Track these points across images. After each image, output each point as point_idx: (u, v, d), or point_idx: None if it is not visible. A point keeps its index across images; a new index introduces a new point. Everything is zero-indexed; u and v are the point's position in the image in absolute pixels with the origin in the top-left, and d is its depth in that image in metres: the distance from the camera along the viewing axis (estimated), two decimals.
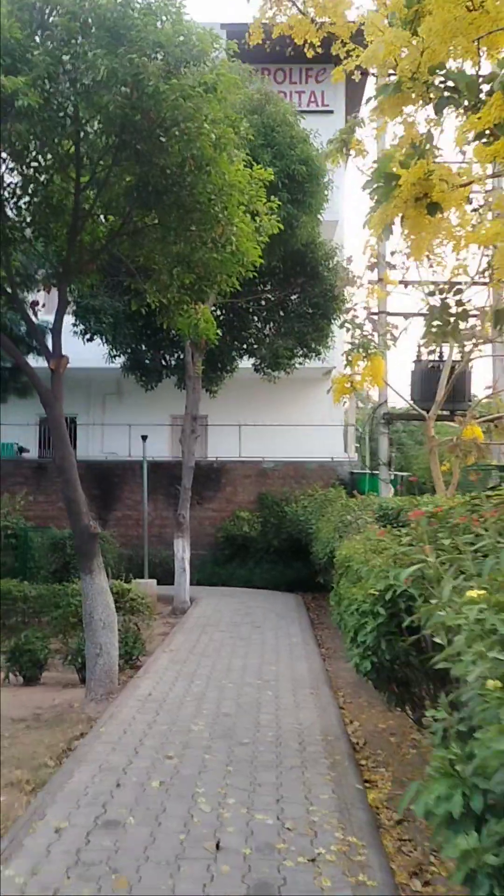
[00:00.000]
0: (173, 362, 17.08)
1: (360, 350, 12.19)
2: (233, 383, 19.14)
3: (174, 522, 14.58)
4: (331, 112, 21.47)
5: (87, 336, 14.95)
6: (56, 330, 8.21)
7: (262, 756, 5.48)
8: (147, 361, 16.44)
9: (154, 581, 14.70)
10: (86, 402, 22.27)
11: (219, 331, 15.14)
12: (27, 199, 8.28)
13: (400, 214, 5.11)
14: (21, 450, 19.70)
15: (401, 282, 13.94)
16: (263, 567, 17.15)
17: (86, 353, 17.56)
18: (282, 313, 16.69)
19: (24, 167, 7.95)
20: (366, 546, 6.65)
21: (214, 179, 7.56)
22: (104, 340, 15.19)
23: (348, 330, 12.38)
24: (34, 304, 9.76)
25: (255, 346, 16.64)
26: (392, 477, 15.03)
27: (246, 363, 17.20)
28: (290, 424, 19.87)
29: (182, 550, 14.19)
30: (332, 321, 16.28)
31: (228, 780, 4.96)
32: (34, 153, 7.87)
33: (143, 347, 16.54)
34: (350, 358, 12.48)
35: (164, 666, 8.60)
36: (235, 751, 5.58)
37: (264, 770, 5.18)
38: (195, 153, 7.29)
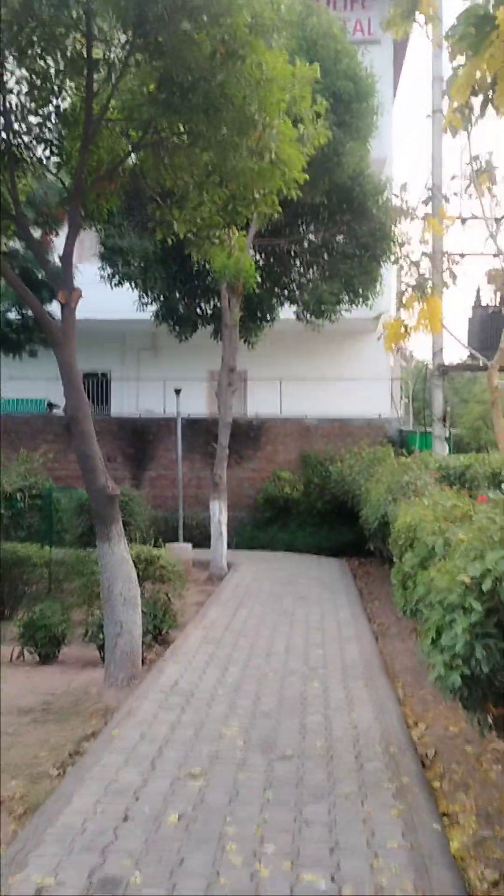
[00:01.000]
0: (209, 311, 15.83)
1: (417, 290, 10.84)
2: (273, 336, 17.84)
3: (210, 483, 13.49)
4: (377, 43, 19.51)
5: (115, 281, 13.77)
6: (67, 256, 7.03)
7: (310, 777, 4.38)
8: (181, 310, 15.22)
9: (189, 545, 13.70)
10: (120, 357, 21.23)
11: (258, 275, 13.88)
12: (35, 107, 7.07)
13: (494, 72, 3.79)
14: (51, 406, 18.77)
15: (459, 218, 12.43)
16: (306, 530, 16.04)
17: (117, 303, 16.45)
18: (326, 256, 15.25)
19: (31, 74, 6.73)
20: (436, 513, 5.44)
21: (249, 71, 6.23)
22: (133, 286, 13.99)
23: (402, 268, 10.98)
24: (47, 234, 8.54)
25: (297, 293, 15.28)
26: (448, 434, 13.67)
27: (287, 312, 15.87)
28: (334, 379, 18.53)
29: (219, 513, 13.13)
30: (382, 263, 14.80)
31: (267, 815, 3.88)
32: (40, 51, 6.62)
33: (177, 295, 15.32)
34: (404, 300, 11.15)
35: (196, 646, 7.56)
36: (276, 768, 4.49)
37: (313, 799, 4.08)
38: (226, 37, 5.98)
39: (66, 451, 17.63)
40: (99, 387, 20.67)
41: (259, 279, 15.31)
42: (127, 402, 20.87)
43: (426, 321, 10.56)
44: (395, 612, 9.65)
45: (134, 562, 9.83)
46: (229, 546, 15.20)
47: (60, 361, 6.98)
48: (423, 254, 11.28)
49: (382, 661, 7.09)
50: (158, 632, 8.61)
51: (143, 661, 7.78)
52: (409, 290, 10.74)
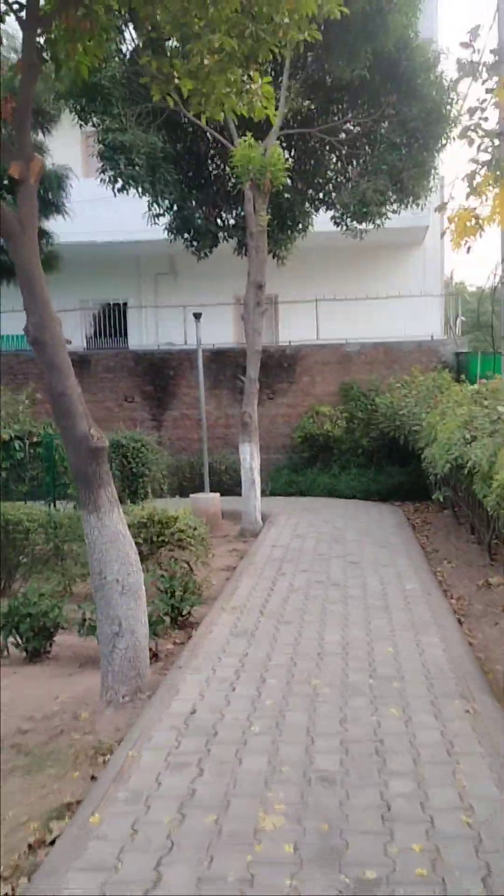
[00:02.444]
0: (231, 221, 13.59)
1: (494, 169, 8.54)
2: (304, 253, 15.55)
3: (239, 423, 11.54)
4: None
5: (119, 185, 11.57)
6: (20, 112, 4.94)
7: None
8: (198, 220, 13.00)
9: (217, 495, 11.85)
10: (135, 285, 19.10)
11: (288, 171, 11.57)
12: None
13: None
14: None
15: None
16: (351, 473, 14.07)
17: (131, 223, 14.29)
18: (368, 148, 12.83)
19: None
20: None
21: None
22: (140, 191, 11.78)
23: (473, 142, 8.62)
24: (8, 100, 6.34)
25: (334, 194, 12.93)
26: None
27: (322, 222, 13.54)
28: (376, 298, 16.22)
29: (250, 457, 11.20)
30: (437, 153, 12.36)
31: None
32: None
33: (193, 202, 13.08)
34: (474, 184, 8.86)
35: (223, 641, 5.71)
36: None
37: None
38: None
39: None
40: (114, 318, 18.64)
41: (289, 180, 13.04)
42: (146, 333, 18.84)
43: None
44: (472, 576, 7.72)
45: (146, 523, 8.04)
46: (263, 493, 13.33)
47: (18, 263, 4.97)
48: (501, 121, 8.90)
49: (478, 665, 5.17)
50: (178, 613, 6.84)
51: (155, 657, 6.01)
52: (482, 170, 8.42)
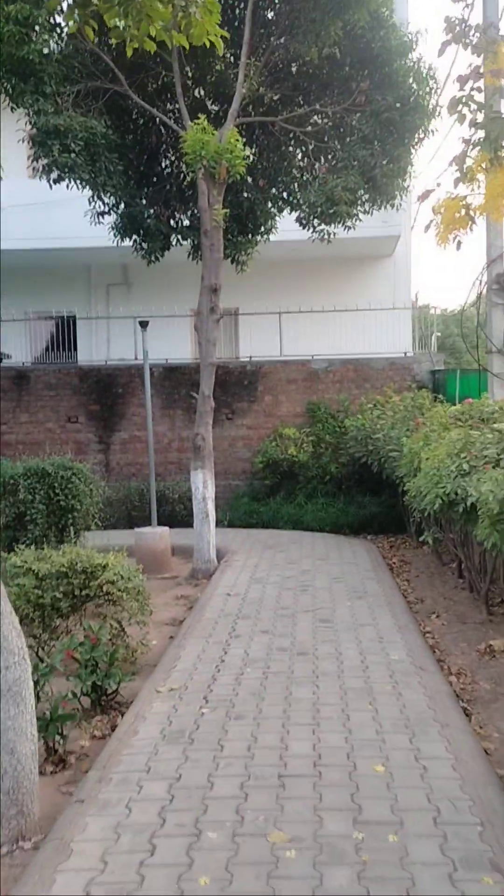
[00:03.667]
0: (186, 222, 12.19)
1: (488, 148, 7.31)
2: (269, 263, 14.32)
3: (192, 447, 10.05)
4: None
5: (54, 175, 10.08)
6: None
7: None
8: (148, 220, 11.56)
9: (165, 529, 10.30)
10: (85, 296, 17.59)
11: (248, 165, 10.23)
12: None
13: None
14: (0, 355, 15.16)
15: None
16: (318, 502, 12.63)
17: (81, 228, 12.83)
18: (337, 142, 11.56)
19: None
20: None
21: None
22: (79, 183, 10.31)
23: (465, 118, 7.36)
24: None
25: (300, 193, 11.61)
26: None
27: (288, 229, 12.25)
28: (344, 310, 14.92)
29: (202, 486, 9.71)
30: (413, 147, 11.12)
31: None
32: None
33: (142, 199, 11.65)
34: (464, 169, 7.62)
35: (148, 753, 4.16)
36: None
37: None
38: None
39: (17, 411, 14.19)
40: (63, 332, 17.07)
41: (249, 178, 11.69)
42: (97, 348, 17.30)
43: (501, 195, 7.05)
44: (468, 637, 6.29)
45: (66, 573, 6.49)
46: (221, 524, 11.88)
47: None
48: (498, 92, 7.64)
49: (502, 783, 3.71)
50: (102, 694, 5.30)
51: (62, 763, 4.45)
52: (474, 150, 7.17)
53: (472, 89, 7.22)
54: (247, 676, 5.27)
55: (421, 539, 7.73)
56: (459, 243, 7.66)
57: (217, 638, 6.30)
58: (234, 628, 6.55)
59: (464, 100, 7.36)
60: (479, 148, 7.34)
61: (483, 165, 7.30)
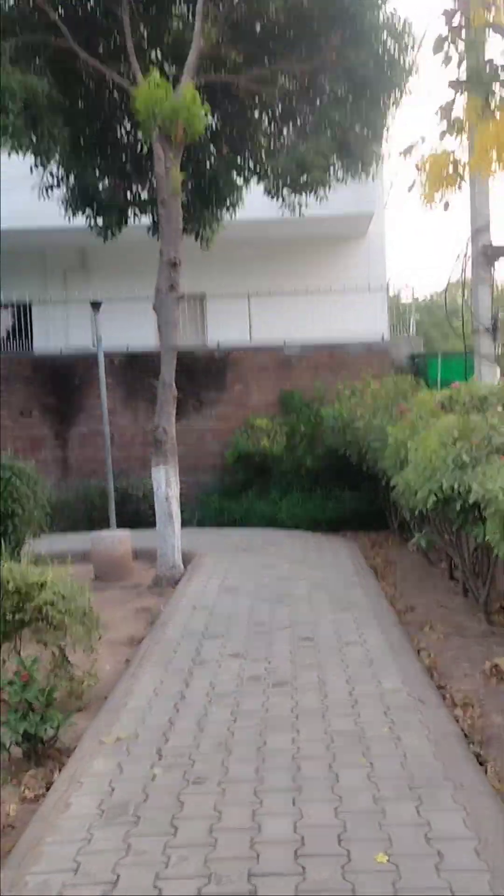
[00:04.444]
0: (143, 193, 11.15)
1: (482, 93, 6.40)
2: (237, 245, 13.30)
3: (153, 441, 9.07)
4: None
5: None
6: None
7: None
8: (101, 192, 10.52)
9: (126, 533, 9.32)
10: (40, 282, 16.39)
11: (209, 127, 9.25)
12: None
13: None
14: None
15: None
16: (293, 498, 11.74)
17: (34, 209, 11.74)
18: (307, 105, 10.60)
19: None
20: None
21: None
22: (19, 148, 9.21)
23: (451, 59, 6.46)
24: None
25: (267, 160, 10.65)
26: (500, 352, 9.29)
27: (256, 207, 11.30)
28: (317, 292, 13.99)
29: (165, 484, 8.74)
30: (389, 109, 10.20)
31: None
32: None
33: (95, 170, 10.60)
34: (452, 119, 6.74)
35: (80, 841, 3.18)
36: None
37: None
38: None
39: None
40: (17, 320, 15.92)
41: (211, 144, 10.70)
42: (54, 338, 16.14)
43: (495, 148, 6.14)
44: (469, 654, 5.41)
45: None
46: (190, 523, 10.93)
47: None
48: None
49: None
50: (38, 742, 4.33)
51: None
52: (463, 96, 6.29)
53: (460, 24, 6.32)
54: (211, 719, 4.32)
55: (412, 542, 6.83)
56: (447, 204, 6.77)
57: (178, 665, 5.34)
58: (198, 651, 5.61)
59: (450, 38, 6.47)
60: (468, 94, 6.45)
61: (477, 115, 6.38)
